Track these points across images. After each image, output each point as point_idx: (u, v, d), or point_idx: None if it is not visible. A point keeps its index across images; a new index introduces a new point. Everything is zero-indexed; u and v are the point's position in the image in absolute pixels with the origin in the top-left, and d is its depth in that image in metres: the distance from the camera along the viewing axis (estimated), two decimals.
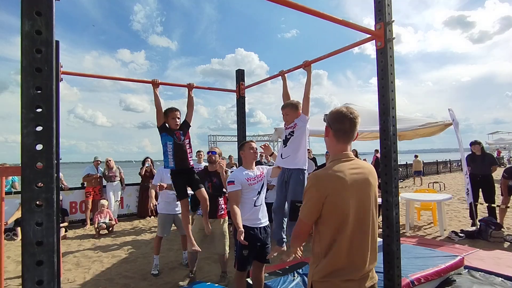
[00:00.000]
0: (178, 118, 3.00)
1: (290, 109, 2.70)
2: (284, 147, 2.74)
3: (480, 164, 5.98)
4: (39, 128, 0.85)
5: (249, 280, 3.10)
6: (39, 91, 0.85)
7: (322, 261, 1.50)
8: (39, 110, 0.85)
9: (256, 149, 2.96)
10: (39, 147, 0.85)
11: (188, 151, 3.07)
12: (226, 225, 3.92)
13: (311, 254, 1.63)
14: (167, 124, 2.98)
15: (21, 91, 0.84)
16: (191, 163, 3.10)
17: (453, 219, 7.02)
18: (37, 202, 0.84)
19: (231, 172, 5.36)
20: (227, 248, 3.83)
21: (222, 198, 3.84)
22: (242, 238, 2.48)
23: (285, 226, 2.72)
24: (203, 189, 3.11)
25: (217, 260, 4.24)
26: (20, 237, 6.35)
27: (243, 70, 3.34)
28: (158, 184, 4.16)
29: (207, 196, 3.11)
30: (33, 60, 0.84)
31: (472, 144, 6.18)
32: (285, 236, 2.73)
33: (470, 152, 6.25)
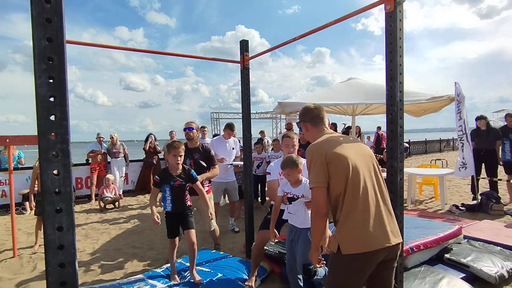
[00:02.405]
0: (181, 156, 2.85)
1: (291, 169, 2.36)
2: (290, 204, 2.48)
3: (484, 139, 5.98)
4: (51, 80, 0.85)
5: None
6: (50, 42, 0.85)
7: (343, 221, 1.57)
8: (51, 61, 0.85)
9: (295, 144, 2.77)
10: (52, 98, 0.85)
11: (186, 193, 3.04)
12: (211, 200, 3.93)
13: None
14: (167, 164, 2.97)
15: (33, 42, 0.84)
16: (188, 203, 3.06)
17: (455, 194, 7.10)
18: (53, 153, 0.86)
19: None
20: (214, 224, 3.87)
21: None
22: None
23: (301, 284, 2.52)
24: (193, 231, 3.02)
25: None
26: (28, 211, 6.52)
27: (247, 40, 3.29)
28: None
29: (194, 240, 3.00)
30: (43, 10, 0.84)
31: (477, 118, 6.14)
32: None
33: (475, 127, 6.23)
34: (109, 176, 7.04)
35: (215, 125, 23.17)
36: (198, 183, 3.11)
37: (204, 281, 2.92)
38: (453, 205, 5.68)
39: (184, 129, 3.77)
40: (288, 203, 2.51)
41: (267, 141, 8.94)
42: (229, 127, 5.09)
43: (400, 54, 1.82)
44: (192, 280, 2.88)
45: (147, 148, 8.16)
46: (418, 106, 5.89)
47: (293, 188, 2.43)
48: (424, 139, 20.02)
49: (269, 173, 2.92)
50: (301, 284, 2.50)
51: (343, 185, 1.57)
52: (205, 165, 3.72)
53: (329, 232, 2.22)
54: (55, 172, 0.85)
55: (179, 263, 3.39)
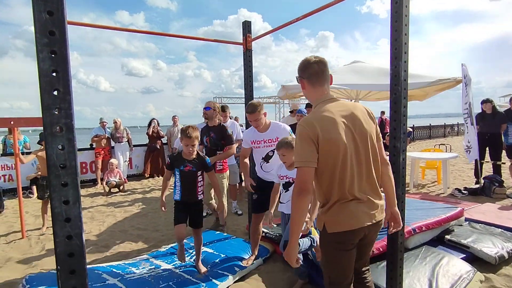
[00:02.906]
0: (193, 146, 2.68)
1: (286, 149, 2.33)
2: (285, 191, 2.48)
3: (490, 122, 5.93)
4: (53, 54, 0.85)
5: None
6: (50, 15, 0.84)
7: (327, 200, 1.56)
8: (52, 35, 0.85)
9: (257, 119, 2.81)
10: (55, 73, 0.85)
11: (198, 183, 2.81)
12: (224, 181, 4.01)
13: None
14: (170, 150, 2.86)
15: (33, 15, 0.83)
16: (199, 197, 2.85)
17: (457, 178, 7.10)
18: (58, 128, 0.86)
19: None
20: (225, 202, 3.90)
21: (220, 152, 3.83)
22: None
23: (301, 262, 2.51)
24: (201, 229, 2.92)
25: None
26: (35, 195, 6.62)
27: (250, 21, 3.23)
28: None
29: (201, 237, 2.95)
30: None
31: (483, 102, 6.06)
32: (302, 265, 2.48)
33: (480, 111, 6.16)
34: (113, 160, 7.10)
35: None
36: (213, 173, 2.95)
37: (209, 262, 2.99)
38: (455, 188, 5.69)
39: (204, 109, 3.91)
40: (283, 189, 2.47)
41: None
42: (222, 109, 4.91)
43: (405, 32, 1.79)
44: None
45: (150, 133, 8.19)
46: (423, 90, 5.83)
47: (289, 171, 2.39)
48: (428, 124, 19.88)
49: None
50: (301, 262, 2.52)
51: (330, 167, 1.50)
52: (221, 143, 3.80)
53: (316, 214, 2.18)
54: (60, 146, 0.86)
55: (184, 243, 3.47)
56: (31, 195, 6.63)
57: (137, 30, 2.66)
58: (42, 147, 4.48)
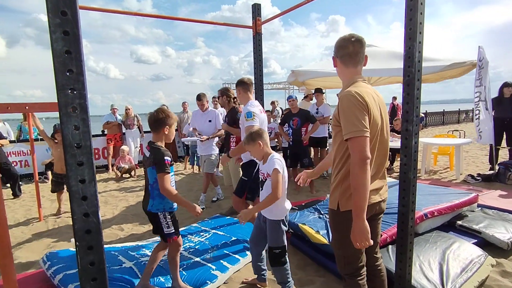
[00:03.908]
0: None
1: (247, 145, 2.23)
2: (261, 190, 2.30)
3: (507, 107, 5.74)
4: (66, 35, 0.86)
5: None
6: None
7: (345, 177, 1.58)
8: (64, 15, 0.85)
9: None
10: (68, 53, 0.86)
11: (152, 184, 2.23)
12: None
13: (331, 183, 1.69)
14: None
15: None
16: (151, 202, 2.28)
17: (471, 165, 6.98)
18: (72, 108, 0.88)
19: None
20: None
21: None
22: None
23: (264, 260, 2.45)
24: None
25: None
26: (51, 179, 6.82)
27: (260, 4, 3.17)
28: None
29: (164, 252, 2.44)
30: None
31: (504, 86, 5.79)
32: (266, 270, 2.48)
33: (497, 95, 5.95)
34: (124, 147, 7.21)
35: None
36: (161, 176, 2.13)
37: (219, 243, 3.05)
38: (468, 175, 5.60)
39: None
40: (260, 188, 2.30)
41: (278, 111, 8.82)
42: (197, 98, 4.84)
43: (421, 11, 1.72)
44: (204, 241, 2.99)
45: None
46: (437, 74, 5.67)
47: (263, 165, 2.24)
48: (442, 110, 19.40)
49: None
50: (263, 260, 2.45)
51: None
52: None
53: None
54: (74, 126, 0.88)
55: (195, 227, 3.55)
56: (47, 180, 6.82)
57: (147, 14, 2.65)
58: (56, 140, 4.51)
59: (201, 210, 2.44)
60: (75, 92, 0.87)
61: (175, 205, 2.32)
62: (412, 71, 1.78)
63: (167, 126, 2.25)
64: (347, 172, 1.56)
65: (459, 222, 3.13)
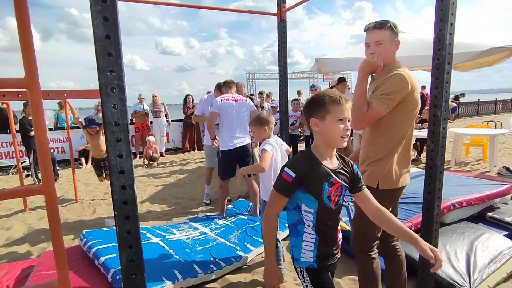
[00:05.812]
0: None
1: (254, 127, 2.37)
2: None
3: None
4: (106, 20, 0.93)
5: None
6: None
7: (387, 157, 1.64)
8: (104, 2, 0.92)
9: None
10: (107, 38, 0.93)
11: None
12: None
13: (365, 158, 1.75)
14: None
15: None
16: None
17: (506, 157, 6.62)
18: (111, 88, 0.95)
19: None
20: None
21: None
22: None
23: (280, 253, 2.44)
24: None
25: None
26: (85, 165, 7.22)
27: None
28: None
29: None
30: None
31: None
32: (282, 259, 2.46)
33: None
34: (150, 138, 7.43)
35: (250, 86, 22.97)
36: None
37: (244, 226, 3.15)
38: (503, 167, 5.33)
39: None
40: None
41: (302, 103, 8.77)
42: (217, 87, 4.22)
43: None
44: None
45: (186, 109, 8.45)
46: (472, 61, 5.36)
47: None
48: (477, 100, 18.34)
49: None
50: (280, 253, 2.46)
51: (408, 122, 1.64)
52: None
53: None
54: (113, 105, 0.96)
55: (230, 209, 3.72)
56: (81, 166, 7.22)
57: (173, 4, 2.74)
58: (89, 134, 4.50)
59: None
60: (113, 73, 0.95)
61: None
62: (442, 54, 1.73)
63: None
64: (386, 152, 1.65)
65: (490, 214, 3.02)
